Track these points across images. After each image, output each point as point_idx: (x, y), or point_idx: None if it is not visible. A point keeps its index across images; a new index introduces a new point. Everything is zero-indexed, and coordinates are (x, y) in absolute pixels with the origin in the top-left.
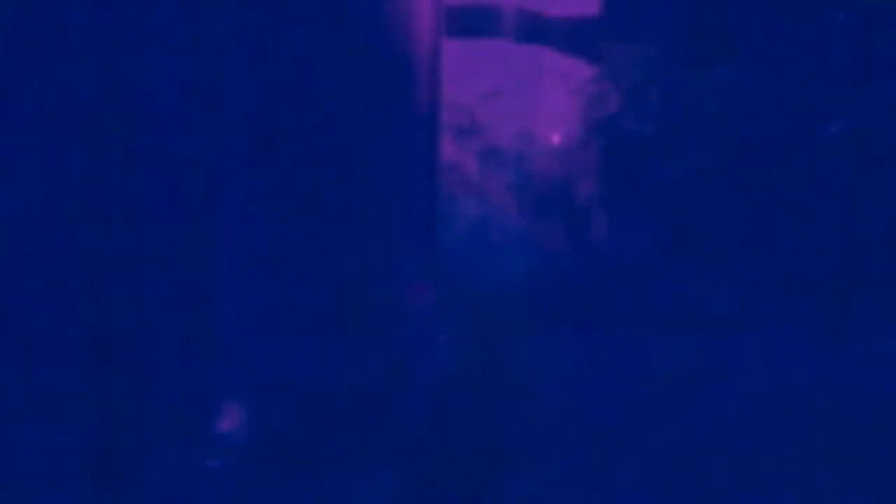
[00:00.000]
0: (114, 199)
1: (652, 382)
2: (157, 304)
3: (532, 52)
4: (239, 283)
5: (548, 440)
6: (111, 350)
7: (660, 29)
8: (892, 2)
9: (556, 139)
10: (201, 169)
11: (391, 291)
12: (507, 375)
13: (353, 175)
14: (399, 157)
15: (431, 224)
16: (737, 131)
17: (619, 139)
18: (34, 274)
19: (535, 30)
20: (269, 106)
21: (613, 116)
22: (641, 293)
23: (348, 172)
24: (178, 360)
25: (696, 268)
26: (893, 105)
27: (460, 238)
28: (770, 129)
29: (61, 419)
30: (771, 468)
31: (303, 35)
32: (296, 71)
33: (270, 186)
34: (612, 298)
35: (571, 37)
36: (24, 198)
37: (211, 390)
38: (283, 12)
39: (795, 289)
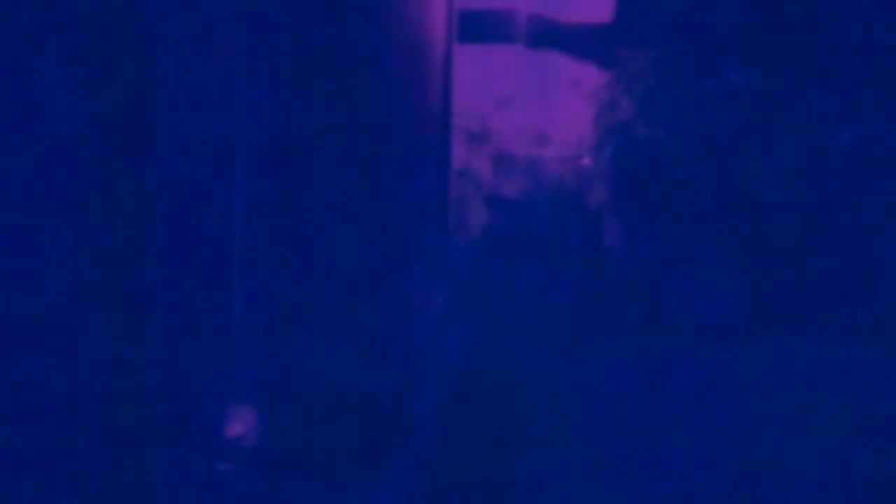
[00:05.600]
0: (124, 196)
1: (663, 390)
2: (166, 308)
3: (545, 57)
4: (250, 285)
5: (558, 445)
6: (119, 354)
7: (672, 35)
8: None
9: (568, 145)
10: (212, 171)
11: (403, 295)
12: (518, 380)
13: (366, 179)
14: (411, 162)
15: (444, 228)
16: (748, 138)
17: (631, 145)
18: (40, 271)
19: (548, 36)
20: (281, 107)
21: (626, 122)
22: (652, 299)
23: (360, 176)
24: (187, 362)
25: (706, 274)
26: None
27: (472, 242)
28: (781, 136)
29: (69, 421)
30: (783, 474)
31: (315, 36)
32: (308, 73)
33: (282, 188)
34: (624, 304)
35: (584, 43)
36: (26, 193)
37: (222, 393)
38: (296, 14)
39: (805, 296)
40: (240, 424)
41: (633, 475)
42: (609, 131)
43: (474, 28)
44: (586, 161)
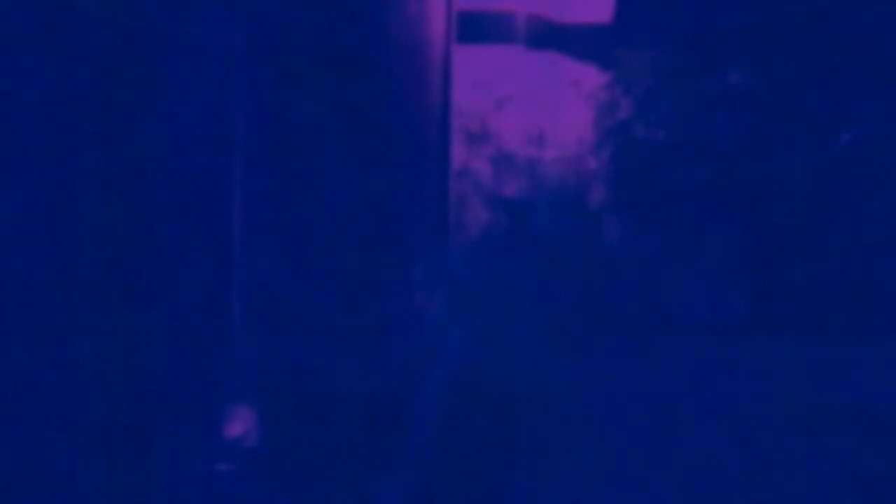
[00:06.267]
0: (123, 197)
1: (663, 389)
2: (166, 309)
3: (544, 58)
4: (248, 285)
5: (559, 445)
6: (118, 353)
7: (672, 36)
8: None
9: (568, 145)
10: (210, 169)
11: (402, 295)
12: (518, 380)
13: (365, 178)
14: (411, 161)
15: (443, 228)
16: (748, 138)
17: (630, 145)
18: (40, 271)
19: (548, 36)
20: (280, 106)
21: (625, 123)
22: (653, 299)
23: (360, 175)
24: (187, 363)
25: (707, 274)
26: None
27: (472, 243)
28: (782, 136)
29: (66, 422)
30: (779, 474)
31: (315, 34)
32: (308, 72)
33: (281, 187)
34: (625, 304)
35: (584, 43)
36: (29, 194)
37: (221, 393)
38: (295, 12)
39: (806, 296)
40: (239, 425)
41: (634, 476)
42: (609, 132)
43: (474, 28)
44: (590, 161)
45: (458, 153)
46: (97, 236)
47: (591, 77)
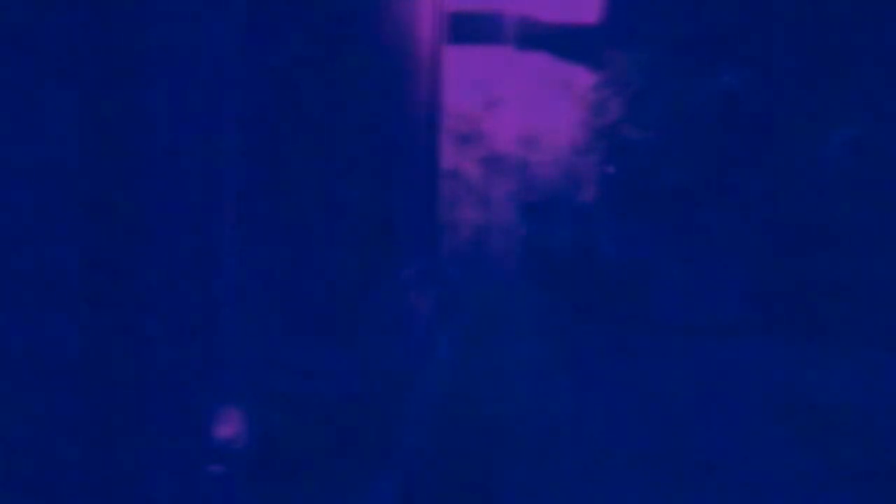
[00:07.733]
0: (114, 200)
1: (653, 390)
2: (155, 308)
3: (534, 59)
4: (238, 288)
5: (549, 448)
6: (109, 355)
7: (662, 37)
8: None
9: (558, 146)
10: (200, 174)
11: (394, 297)
12: (507, 379)
13: (355, 181)
14: (402, 164)
15: (434, 229)
16: (740, 139)
17: (621, 146)
18: (27, 274)
19: (538, 37)
20: (268, 110)
21: (616, 124)
22: (643, 299)
23: (350, 178)
24: (177, 364)
25: (698, 275)
26: None
27: (462, 243)
28: (774, 136)
29: (58, 425)
30: (771, 476)
31: (305, 41)
32: (298, 75)
33: (270, 191)
34: (615, 304)
35: (574, 44)
36: (15, 194)
37: (211, 396)
38: (286, 17)
39: (799, 298)
40: (229, 426)
41: (631, 476)
42: (600, 132)
43: (464, 29)
44: (581, 162)
45: (450, 154)
46: (88, 237)
47: (582, 78)
